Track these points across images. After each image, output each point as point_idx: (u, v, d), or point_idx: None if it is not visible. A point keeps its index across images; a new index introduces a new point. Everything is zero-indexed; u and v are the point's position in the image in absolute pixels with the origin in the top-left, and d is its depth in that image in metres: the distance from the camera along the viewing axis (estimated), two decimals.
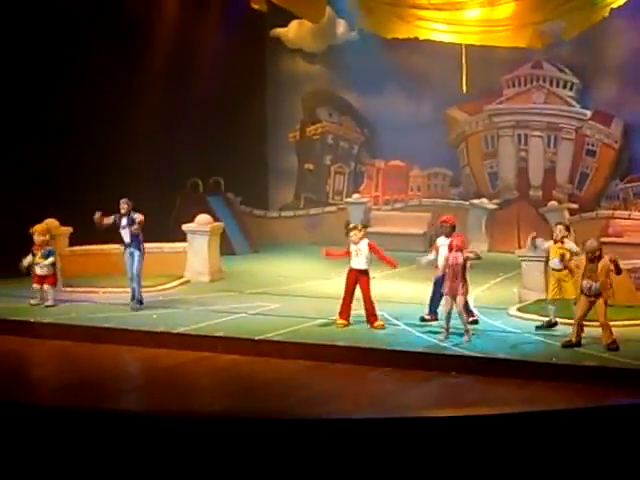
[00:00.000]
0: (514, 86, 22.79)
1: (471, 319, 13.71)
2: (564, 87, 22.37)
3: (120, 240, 15.30)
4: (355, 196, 23.43)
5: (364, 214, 22.54)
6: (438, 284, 13.79)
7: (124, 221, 15.11)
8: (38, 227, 15.71)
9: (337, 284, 14.79)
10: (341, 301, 14.10)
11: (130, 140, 19.17)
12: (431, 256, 14.25)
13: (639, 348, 12.55)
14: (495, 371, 11.89)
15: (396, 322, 14.15)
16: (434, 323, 13.87)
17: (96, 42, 18.69)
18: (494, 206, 22.47)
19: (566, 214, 20.99)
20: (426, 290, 14.44)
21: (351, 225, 14.54)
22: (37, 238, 15.57)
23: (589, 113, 22.12)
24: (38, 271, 15.46)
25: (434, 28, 20.42)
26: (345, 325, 14.00)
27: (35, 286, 15.52)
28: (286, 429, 8.57)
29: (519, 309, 14.90)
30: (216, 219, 18.85)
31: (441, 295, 13.63)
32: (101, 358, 13.12)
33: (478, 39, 20.12)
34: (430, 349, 12.72)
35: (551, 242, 14.06)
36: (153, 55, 20.26)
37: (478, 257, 13.48)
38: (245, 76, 22.50)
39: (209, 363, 12.83)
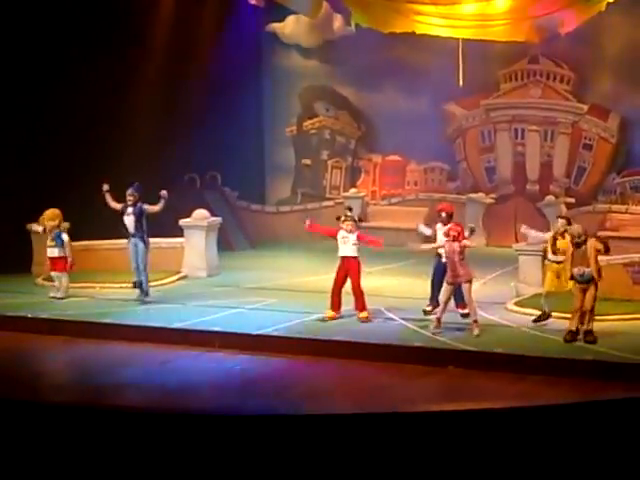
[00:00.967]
0: (511, 80, 22.80)
1: (462, 312, 13.56)
2: (561, 81, 22.40)
3: (120, 233, 15.32)
4: (352, 191, 23.41)
5: (361, 208, 22.54)
6: (437, 272, 13.78)
7: (129, 210, 15.16)
8: (47, 212, 15.75)
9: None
10: (330, 292, 14.05)
11: (127, 136, 19.15)
12: (429, 231, 14.19)
13: (635, 342, 12.58)
14: (491, 365, 11.90)
15: (393, 317, 14.17)
16: (431, 317, 13.79)
17: (93, 38, 18.65)
18: (491, 200, 22.48)
19: (563, 208, 21.00)
20: (423, 285, 14.45)
21: (349, 214, 14.32)
22: (47, 223, 15.65)
23: (586, 107, 22.12)
24: (49, 253, 15.54)
25: (431, 22, 20.33)
26: (333, 318, 13.95)
27: (52, 274, 15.57)
28: (284, 425, 8.58)
29: (516, 303, 14.93)
30: (213, 214, 18.87)
31: (441, 284, 13.61)
32: (99, 354, 13.12)
33: (475, 33, 20.05)
34: (427, 343, 12.73)
35: (550, 233, 14.07)
36: (150, 51, 20.23)
37: (472, 230, 13.45)
38: (242, 71, 22.50)
39: (207, 358, 12.83)
